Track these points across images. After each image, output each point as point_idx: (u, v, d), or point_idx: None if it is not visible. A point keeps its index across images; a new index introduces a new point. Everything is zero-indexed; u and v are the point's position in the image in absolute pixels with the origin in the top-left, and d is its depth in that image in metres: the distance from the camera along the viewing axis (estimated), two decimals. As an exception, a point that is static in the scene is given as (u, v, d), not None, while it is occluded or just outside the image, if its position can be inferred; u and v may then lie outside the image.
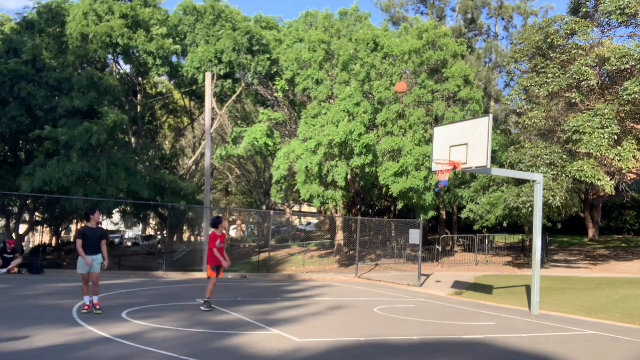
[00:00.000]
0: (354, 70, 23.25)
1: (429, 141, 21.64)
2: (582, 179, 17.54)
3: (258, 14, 33.60)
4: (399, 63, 23.60)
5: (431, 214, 23.64)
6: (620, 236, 33.32)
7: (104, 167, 21.88)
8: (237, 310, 10.31)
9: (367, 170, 21.91)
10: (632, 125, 18.64)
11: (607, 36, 20.33)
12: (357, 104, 21.93)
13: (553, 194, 17.95)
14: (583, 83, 18.13)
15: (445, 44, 24.17)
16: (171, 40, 26.57)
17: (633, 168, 17.60)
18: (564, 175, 18.15)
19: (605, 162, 18.21)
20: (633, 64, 17.12)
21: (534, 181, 13.74)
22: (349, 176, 23.20)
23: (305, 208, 46.72)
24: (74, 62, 25.31)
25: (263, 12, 34.77)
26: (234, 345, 7.10)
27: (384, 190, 23.97)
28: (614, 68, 17.57)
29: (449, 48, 24.06)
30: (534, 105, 20.35)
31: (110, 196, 21.99)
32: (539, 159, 18.85)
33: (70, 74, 23.80)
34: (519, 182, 20.44)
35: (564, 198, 18.16)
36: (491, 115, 11.94)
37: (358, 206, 29.25)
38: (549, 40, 19.60)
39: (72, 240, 37.73)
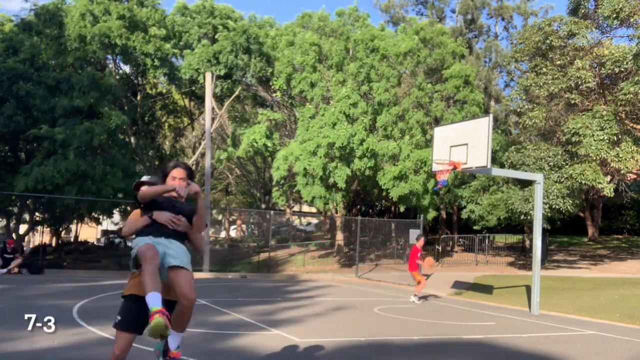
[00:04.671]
0: (349, 71, 23.21)
1: (428, 142, 21.64)
2: (584, 182, 17.58)
3: (251, 13, 33.51)
4: (396, 64, 23.56)
5: (432, 214, 23.66)
6: (620, 236, 33.32)
7: (100, 166, 21.94)
8: (238, 310, 10.31)
9: (367, 173, 21.91)
10: (632, 125, 18.65)
11: (607, 37, 20.34)
12: (354, 105, 21.89)
13: (563, 200, 18.02)
14: (581, 86, 18.16)
15: (443, 42, 24.14)
16: (170, 44, 26.61)
17: (632, 168, 17.61)
18: (567, 178, 18.16)
19: (605, 163, 18.23)
20: (628, 65, 17.11)
21: (534, 181, 13.75)
22: (348, 177, 23.21)
23: (305, 208, 46.70)
24: (73, 63, 25.31)
25: (257, 13, 34.57)
26: (235, 345, 7.10)
27: (384, 192, 23.96)
28: (610, 72, 17.63)
29: (446, 46, 24.02)
30: (534, 105, 20.36)
31: (106, 196, 22.09)
32: (543, 160, 18.87)
33: (70, 74, 23.79)
34: (520, 182, 20.44)
35: (571, 204, 18.24)
36: (491, 115, 11.95)
37: (358, 206, 29.25)
38: (547, 41, 19.60)
39: (72, 240, 37.56)
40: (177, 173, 4.03)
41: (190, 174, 4.10)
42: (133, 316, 3.96)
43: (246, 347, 6.97)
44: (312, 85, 23.36)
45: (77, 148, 21.34)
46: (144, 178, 4.53)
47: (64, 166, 20.93)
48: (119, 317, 4.08)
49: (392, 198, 22.30)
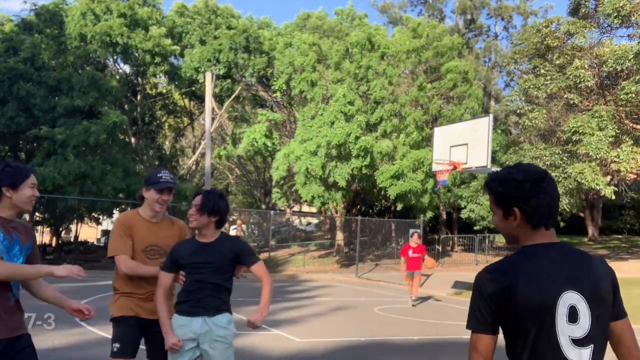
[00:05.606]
0: (346, 68, 23.24)
1: (427, 141, 21.64)
2: (582, 182, 17.56)
3: (248, 14, 33.44)
4: (397, 63, 23.56)
5: (429, 214, 23.68)
6: (620, 236, 33.30)
7: (99, 166, 22.00)
8: (238, 310, 10.28)
9: (364, 171, 21.94)
10: (632, 125, 18.65)
11: (607, 36, 20.33)
12: (351, 103, 21.90)
13: (560, 199, 18.02)
14: (580, 84, 18.16)
15: (441, 35, 24.26)
16: (170, 41, 26.62)
17: (632, 169, 17.60)
18: (565, 177, 18.15)
19: (605, 163, 18.23)
20: (629, 64, 17.11)
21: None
22: (349, 176, 23.24)
23: (305, 208, 46.69)
24: (74, 62, 25.32)
25: (255, 13, 34.63)
26: (235, 345, 7.09)
27: (382, 191, 23.97)
28: (611, 70, 17.63)
29: (444, 41, 24.11)
30: (534, 106, 20.37)
31: (106, 196, 22.16)
32: (539, 160, 18.88)
33: (70, 74, 23.81)
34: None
35: (567, 203, 18.23)
36: (491, 115, 11.97)
37: (358, 206, 29.26)
38: (545, 42, 19.59)
39: (72, 240, 37.48)
40: (195, 200, 3.56)
41: (209, 205, 3.51)
42: (129, 341, 3.64)
43: (246, 347, 6.97)
44: (312, 84, 23.40)
45: (74, 148, 21.37)
46: (165, 175, 3.75)
47: (66, 169, 20.96)
48: (117, 345, 3.59)
49: (390, 196, 22.30)
